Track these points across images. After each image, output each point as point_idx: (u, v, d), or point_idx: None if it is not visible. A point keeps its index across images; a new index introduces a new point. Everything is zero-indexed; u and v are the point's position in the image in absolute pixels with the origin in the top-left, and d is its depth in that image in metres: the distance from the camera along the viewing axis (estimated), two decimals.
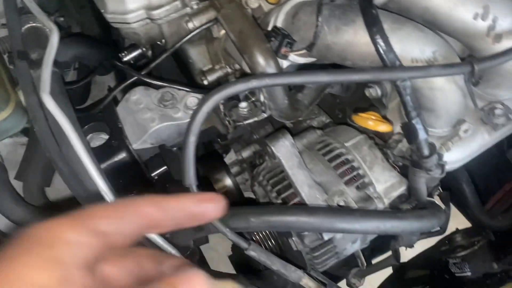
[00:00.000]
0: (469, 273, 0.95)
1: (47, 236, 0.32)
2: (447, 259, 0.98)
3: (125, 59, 0.86)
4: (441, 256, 1.00)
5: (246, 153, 0.95)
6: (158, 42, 0.80)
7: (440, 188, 0.92)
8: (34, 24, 0.74)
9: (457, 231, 1.02)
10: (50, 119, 0.64)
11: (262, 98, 0.68)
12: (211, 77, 0.84)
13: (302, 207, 0.67)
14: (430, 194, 0.88)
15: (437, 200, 0.87)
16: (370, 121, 0.68)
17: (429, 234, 0.90)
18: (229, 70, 0.84)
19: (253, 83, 0.57)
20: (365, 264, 0.85)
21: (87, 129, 0.75)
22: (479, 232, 0.98)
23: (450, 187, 1.06)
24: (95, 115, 0.75)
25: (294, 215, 0.60)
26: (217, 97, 0.56)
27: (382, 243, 0.92)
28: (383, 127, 0.68)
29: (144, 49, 0.85)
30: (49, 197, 0.77)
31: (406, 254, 1.33)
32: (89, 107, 0.76)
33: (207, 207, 0.39)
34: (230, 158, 1.04)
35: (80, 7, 1.01)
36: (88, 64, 0.88)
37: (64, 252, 0.32)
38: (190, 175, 0.57)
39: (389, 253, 1.02)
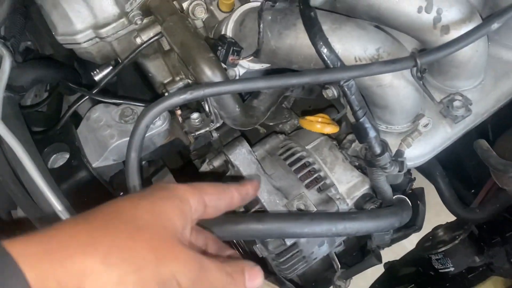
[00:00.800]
0: (452, 268, 0.93)
1: (179, 194, 0.45)
2: (430, 256, 0.97)
3: (97, 77, 0.88)
4: (424, 253, 0.99)
5: (217, 162, 0.95)
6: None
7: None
8: None
9: (439, 226, 1.00)
10: (4, 143, 0.66)
11: (209, 108, 0.68)
12: (172, 89, 0.84)
13: (253, 214, 0.67)
14: (404, 191, 0.87)
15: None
16: (318, 124, 0.67)
17: (405, 231, 0.89)
18: (190, 80, 0.85)
19: (190, 95, 0.57)
20: (339, 266, 0.84)
21: (49, 150, 0.76)
22: (461, 226, 0.97)
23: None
24: (56, 136, 0.76)
25: (244, 223, 0.60)
26: (154, 111, 0.57)
27: (357, 244, 0.91)
28: (329, 129, 0.67)
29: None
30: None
31: (398, 252, 1.32)
32: (48, 128, 0.77)
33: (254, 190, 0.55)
34: (204, 168, 1.04)
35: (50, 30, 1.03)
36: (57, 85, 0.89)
37: (187, 209, 0.45)
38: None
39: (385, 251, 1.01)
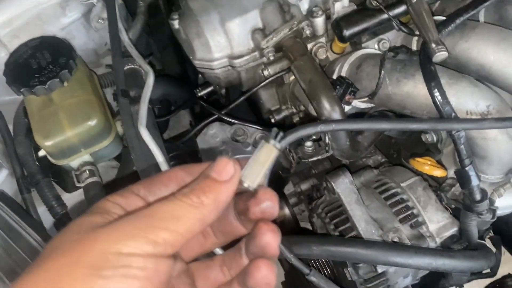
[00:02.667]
0: None
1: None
2: None
3: (200, 94, 0.98)
4: None
5: (304, 186, 1.03)
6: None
7: (492, 231, 0.95)
8: (132, 66, 0.87)
9: (509, 275, 1.03)
10: (144, 149, 0.76)
11: (327, 140, 0.76)
12: (278, 116, 0.93)
13: (361, 240, 0.74)
14: (481, 237, 0.92)
15: (488, 243, 0.90)
16: (427, 166, 0.74)
17: (479, 275, 0.93)
18: (294, 110, 0.94)
19: (321, 128, 0.65)
20: None
21: (170, 158, 0.86)
22: None
23: (502, 231, 1.08)
24: (179, 146, 0.86)
25: (352, 247, 0.67)
26: (291, 137, 0.65)
27: (431, 281, 0.96)
28: (438, 172, 0.74)
29: (217, 86, 0.97)
30: None
31: None
32: (173, 138, 0.87)
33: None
34: (287, 189, 1.12)
35: (163, 48, 1.15)
36: (171, 100, 1.00)
37: None
38: None
39: None
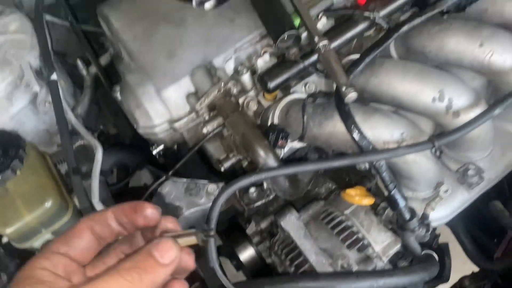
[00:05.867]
0: None
1: None
2: None
3: (155, 151, 1.05)
4: None
5: (264, 224, 1.09)
6: None
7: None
8: (82, 143, 0.93)
9: (466, 276, 1.10)
10: None
11: (265, 185, 0.83)
12: (227, 164, 0.99)
13: (308, 274, 0.80)
14: (430, 246, 0.99)
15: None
16: (357, 197, 0.82)
17: (434, 282, 1.00)
18: (241, 157, 1.01)
19: (253, 178, 0.72)
20: None
21: None
22: (485, 276, 1.07)
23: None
24: None
25: (301, 282, 0.73)
26: (228, 192, 0.72)
27: None
28: (366, 201, 0.81)
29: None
30: None
31: None
32: None
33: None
34: (251, 228, 1.17)
35: (115, 113, 1.22)
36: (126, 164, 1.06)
37: None
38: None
39: None
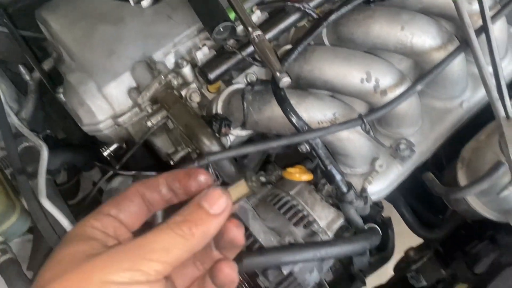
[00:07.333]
0: (424, 283, 1.10)
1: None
2: (406, 274, 1.13)
3: (105, 153, 1.06)
4: (401, 273, 1.15)
5: None
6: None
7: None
8: (27, 144, 0.93)
9: (411, 248, 1.18)
10: (49, 217, 0.82)
11: (210, 171, 0.86)
12: (176, 157, 1.02)
13: (256, 250, 0.84)
14: (375, 220, 1.06)
15: None
16: (297, 174, 0.86)
17: (380, 254, 1.06)
18: (190, 149, 1.04)
19: (197, 164, 0.76)
20: None
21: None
22: (428, 246, 1.14)
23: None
24: (86, 207, 0.92)
25: (246, 258, 0.77)
26: None
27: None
28: (305, 177, 0.86)
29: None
30: None
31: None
32: (80, 201, 0.94)
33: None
34: None
35: (63, 117, 1.22)
36: (75, 165, 1.07)
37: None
38: None
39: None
